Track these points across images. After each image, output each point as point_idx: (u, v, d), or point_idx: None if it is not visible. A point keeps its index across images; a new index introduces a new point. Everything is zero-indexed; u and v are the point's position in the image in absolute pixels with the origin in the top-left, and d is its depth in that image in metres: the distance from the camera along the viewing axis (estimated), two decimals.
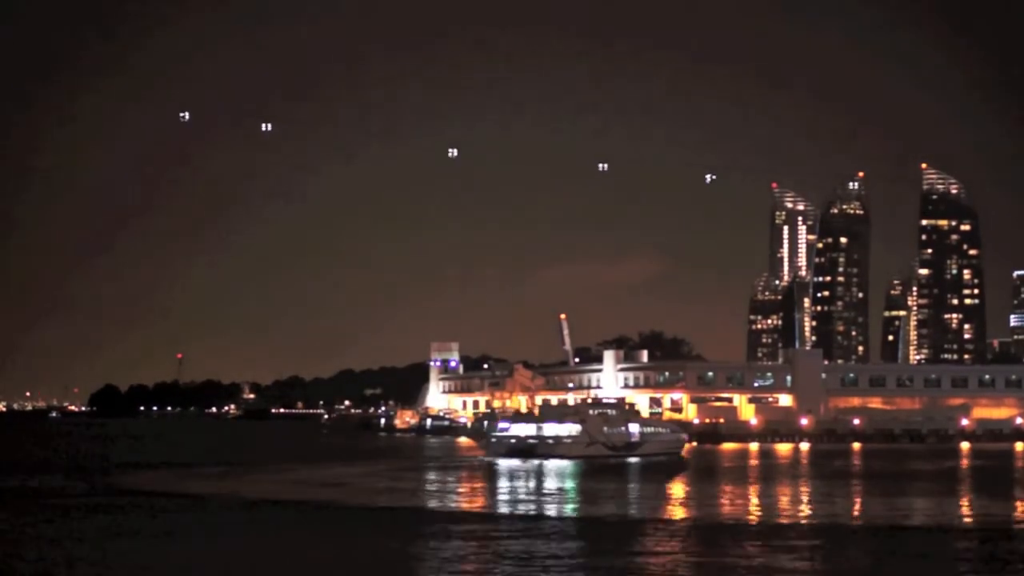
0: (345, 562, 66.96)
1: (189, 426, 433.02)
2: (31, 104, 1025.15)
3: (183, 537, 76.69)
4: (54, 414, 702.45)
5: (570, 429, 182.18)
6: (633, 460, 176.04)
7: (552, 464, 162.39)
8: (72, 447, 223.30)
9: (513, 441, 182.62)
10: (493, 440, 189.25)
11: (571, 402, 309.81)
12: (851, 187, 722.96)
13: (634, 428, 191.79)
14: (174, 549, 71.34)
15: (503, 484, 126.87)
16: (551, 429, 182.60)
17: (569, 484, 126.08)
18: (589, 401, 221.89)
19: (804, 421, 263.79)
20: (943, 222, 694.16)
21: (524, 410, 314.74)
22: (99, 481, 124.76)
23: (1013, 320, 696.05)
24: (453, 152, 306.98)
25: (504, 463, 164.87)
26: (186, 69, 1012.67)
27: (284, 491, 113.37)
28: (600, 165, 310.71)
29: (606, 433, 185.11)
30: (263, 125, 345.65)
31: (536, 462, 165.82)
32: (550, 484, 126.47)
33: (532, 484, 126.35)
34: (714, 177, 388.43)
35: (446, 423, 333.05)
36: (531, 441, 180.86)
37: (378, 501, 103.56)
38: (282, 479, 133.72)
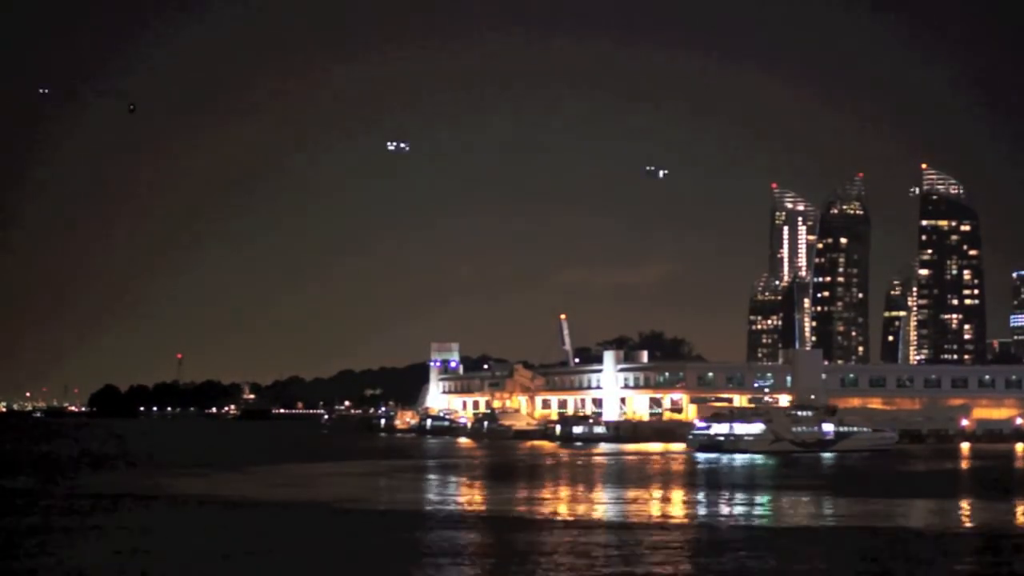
0: None
1: (188, 426, 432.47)
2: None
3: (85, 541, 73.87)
4: (38, 414, 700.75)
5: (756, 428, 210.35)
6: (826, 455, 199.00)
7: (739, 458, 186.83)
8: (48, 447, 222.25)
9: (705, 438, 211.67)
10: (690, 437, 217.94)
11: (570, 404, 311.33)
12: (851, 187, 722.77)
13: (828, 427, 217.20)
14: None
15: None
16: (740, 428, 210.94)
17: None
18: (780, 403, 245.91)
19: None
20: (943, 222, 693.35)
21: (524, 411, 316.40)
22: (60, 482, 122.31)
23: (1013, 320, 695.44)
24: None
25: (701, 456, 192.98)
26: (191, 70, 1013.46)
27: (263, 492, 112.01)
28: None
29: (795, 432, 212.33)
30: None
31: (725, 457, 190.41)
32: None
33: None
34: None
35: (446, 423, 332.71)
36: (719, 438, 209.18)
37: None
38: (262, 480, 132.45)
